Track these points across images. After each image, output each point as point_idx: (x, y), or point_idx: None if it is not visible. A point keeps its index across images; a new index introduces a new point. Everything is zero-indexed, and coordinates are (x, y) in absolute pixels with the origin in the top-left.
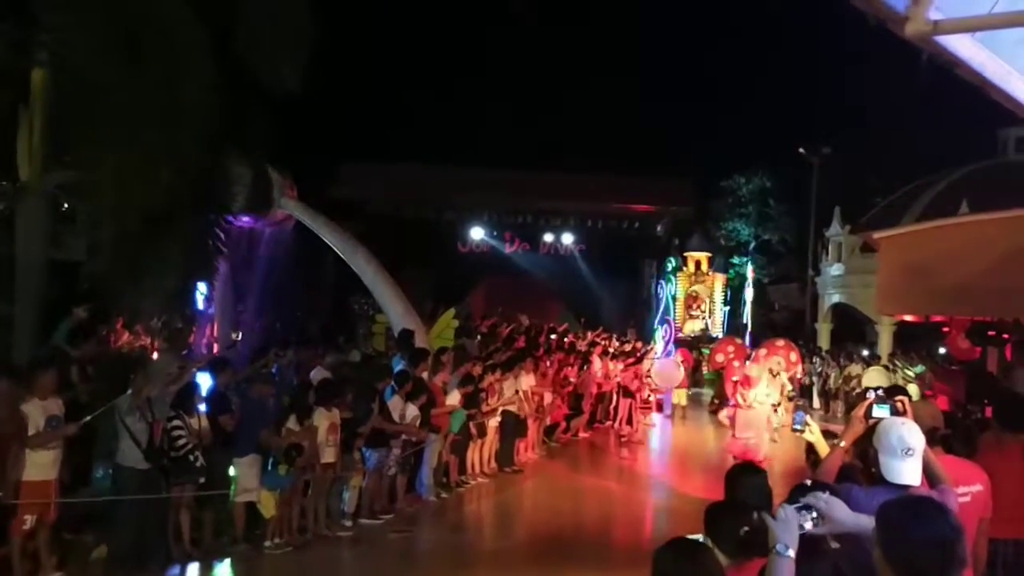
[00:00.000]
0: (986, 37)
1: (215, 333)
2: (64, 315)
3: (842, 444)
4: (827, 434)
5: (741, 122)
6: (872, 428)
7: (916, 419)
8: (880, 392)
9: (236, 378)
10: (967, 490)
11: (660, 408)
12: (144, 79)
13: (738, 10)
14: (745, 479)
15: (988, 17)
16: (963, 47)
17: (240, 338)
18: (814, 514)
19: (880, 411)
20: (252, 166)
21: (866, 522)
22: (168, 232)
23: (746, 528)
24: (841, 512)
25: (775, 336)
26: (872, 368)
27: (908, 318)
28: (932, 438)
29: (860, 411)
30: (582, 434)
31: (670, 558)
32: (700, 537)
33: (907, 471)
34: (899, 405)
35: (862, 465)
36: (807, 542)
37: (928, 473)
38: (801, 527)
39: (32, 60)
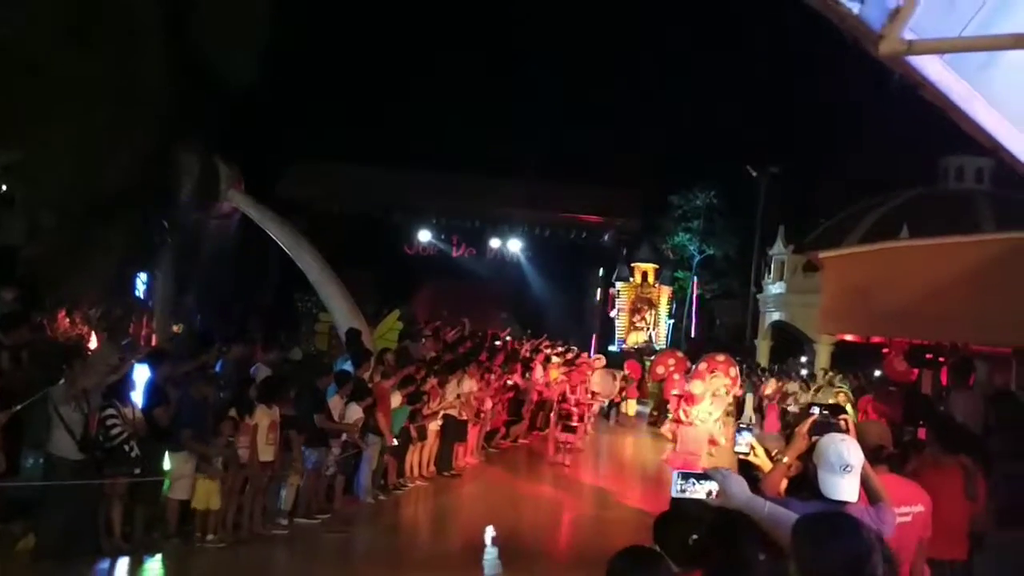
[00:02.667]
0: (954, 59)
1: (154, 324)
2: None
3: (785, 460)
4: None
5: (691, 137)
6: (813, 445)
7: (863, 437)
8: (824, 411)
9: (176, 371)
10: (908, 510)
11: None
12: (95, 60)
13: (694, 28)
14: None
15: (959, 40)
16: (932, 68)
17: (181, 331)
18: (713, 485)
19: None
20: (200, 156)
21: (758, 505)
22: (112, 218)
23: (695, 536)
24: (736, 487)
25: (716, 351)
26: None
27: (848, 338)
28: (878, 456)
29: (804, 427)
30: (521, 440)
31: (625, 566)
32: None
33: (844, 487)
34: (842, 423)
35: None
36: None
37: (867, 490)
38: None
39: None
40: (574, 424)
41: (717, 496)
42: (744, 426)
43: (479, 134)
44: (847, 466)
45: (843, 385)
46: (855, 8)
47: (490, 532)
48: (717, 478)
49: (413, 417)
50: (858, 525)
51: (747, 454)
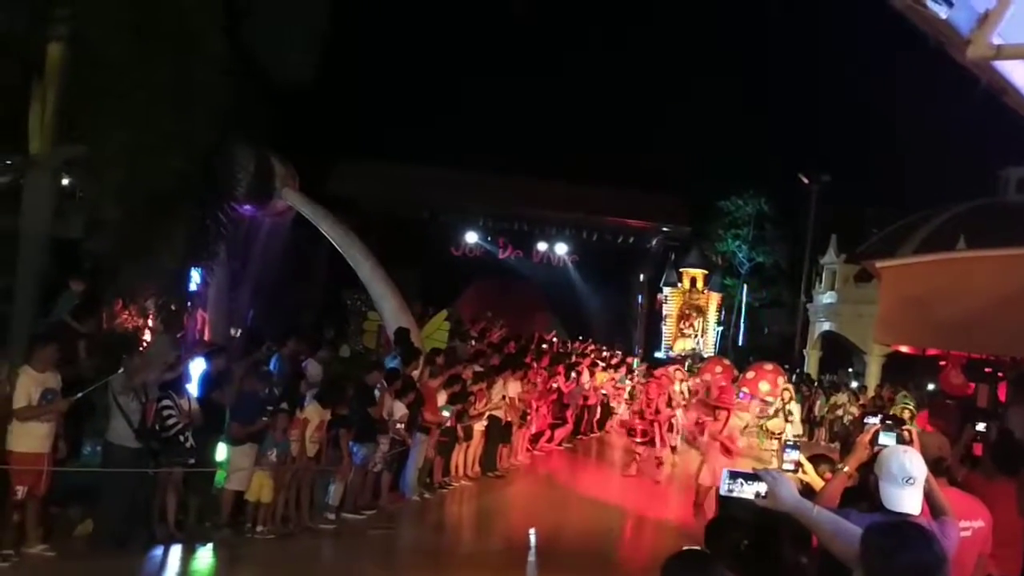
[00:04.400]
0: None
1: (209, 318)
2: (62, 290)
3: (845, 470)
4: (818, 458)
5: (743, 143)
6: (875, 456)
7: (923, 449)
8: (886, 420)
9: (231, 368)
10: (969, 525)
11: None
12: (157, 59)
13: (751, 30)
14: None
15: None
16: (1017, 73)
17: (238, 334)
18: (763, 486)
19: (886, 439)
20: (256, 154)
21: (806, 508)
22: (172, 213)
23: (745, 542)
24: (786, 490)
25: (764, 360)
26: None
27: (904, 349)
28: (938, 469)
29: (865, 437)
30: (565, 444)
31: (679, 568)
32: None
33: (906, 499)
34: (906, 434)
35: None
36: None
37: (931, 503)
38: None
39: (49, 34)
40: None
41: (766, 497)
42: (791, 443)
43: (528, 136)
44: (910, 478)
45: (908, 401)
46: (943, 12)
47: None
48: (767, 479)
49: (460, 417)
50: (929, 537)
51: (795, 471)
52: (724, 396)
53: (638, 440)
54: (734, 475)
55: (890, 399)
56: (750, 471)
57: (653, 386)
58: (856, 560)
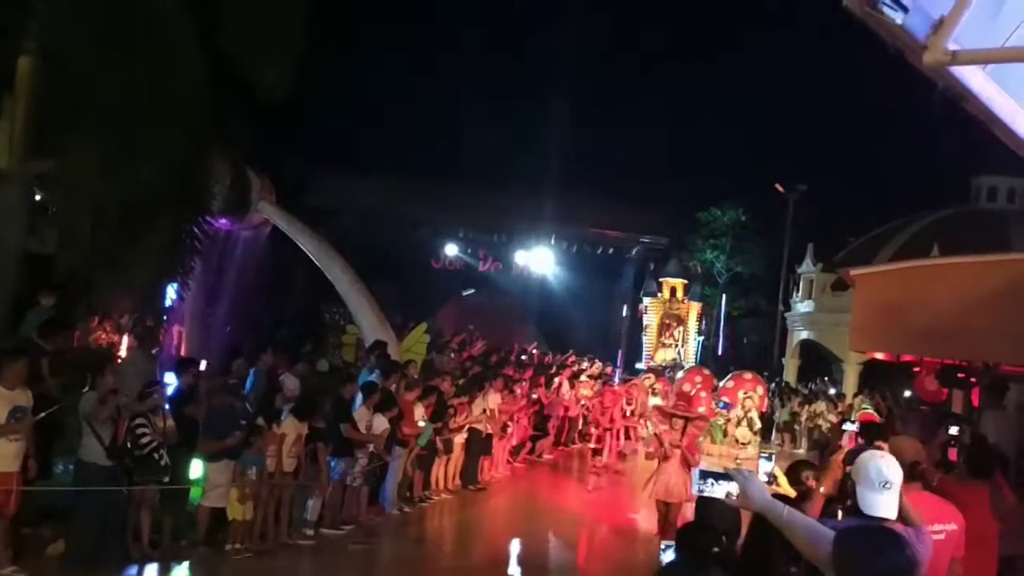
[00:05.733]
0: (997, 72)
1: (185, 334)
2: (32, 306)
3: (822, 491)
4: (801, 464)
5: (719, 154)
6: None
7: (898, 453)
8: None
9: (206, 383)
10: (942, 528)
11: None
12: (131, 71)
13: (724, 44)
14: (713, 505)
15: (1003, 50)
16: (975, 80)
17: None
18: (733, 486)
19: None
20: (232, 167)
21: (777, 509)
22: (146, 228)
23: (716, 549)
24: (756, 490)
25: (743, 369)
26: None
27: (880, 356)
28: (914, 473)
29: (839, 457)
30: (547, 456)
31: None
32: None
33: (883, 504)
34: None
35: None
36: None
37: (902, 514)
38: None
39: (20, 47)
40: (599, 447)
41: (737, 497)
42: (765, 455)
43: (508, 149)
44: (887, 483)
45: (866, 405)
46: (899, 18)
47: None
48: (738, 479)
49: (439, 430)
50: (902, 541)
51: (770, 483)
52: (682, 404)
53: (592, 447)
54: (705, 475)
55: (875, 407)
56: (721, 470)
57: (608, 395)
58: (827, 563)
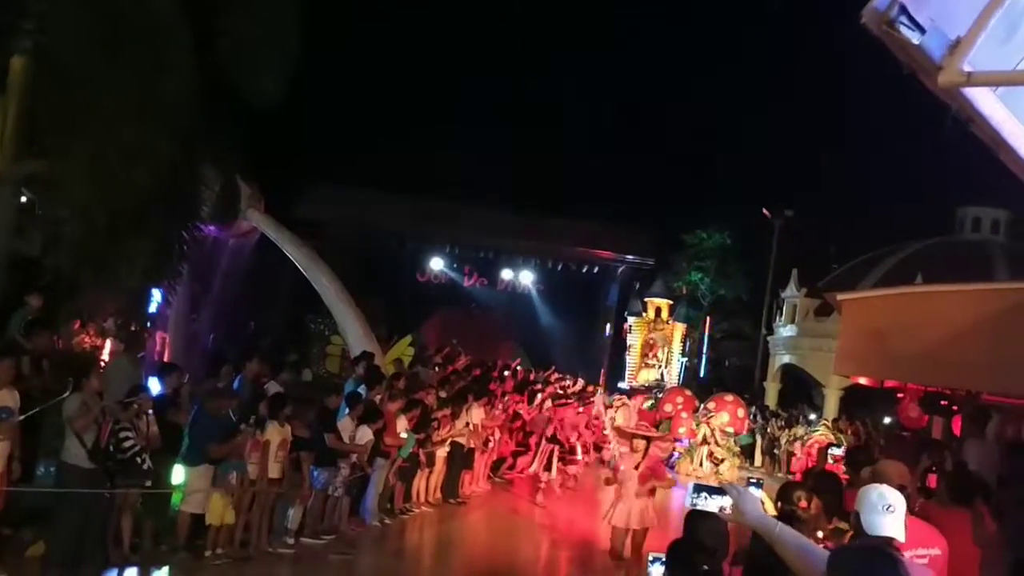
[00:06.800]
0: (1007, 95)
1: (169, 340)
2: (18, 307)
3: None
4: (792, 485)
5: (706, 177)
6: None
7: (883, 476)
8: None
9: (192, 388)
10: (926, 552)
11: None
12: (124, 75)
13: (711, 67)
14: (703, 522)
15: (1018, 73)
16: (986, 103)
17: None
18: (727, 500)
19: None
20: (222, 175)
21: (770, 525)
22: (134, 232)
23: (705, 567)
24: (750, 505)
25: (724, 391)
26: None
27: (863, 381)
28: None
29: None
30: (527, 471)
31: None
32: None
33: (888, 525)
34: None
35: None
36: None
37: None
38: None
39: (13, 47)
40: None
41: (730, 511)
42: (753, 480)
43: (495, 166)
44: (889, 506)
45: (821, 428)
46: (915, 38)
47: None
48: (732, 493)
49: (423, 443)
50: (895, 561)
51: None
52: (643, 424)
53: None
54: (699, 488)
55: (852, 432)
56: (715, 484)
57: (567, 411)
58: None
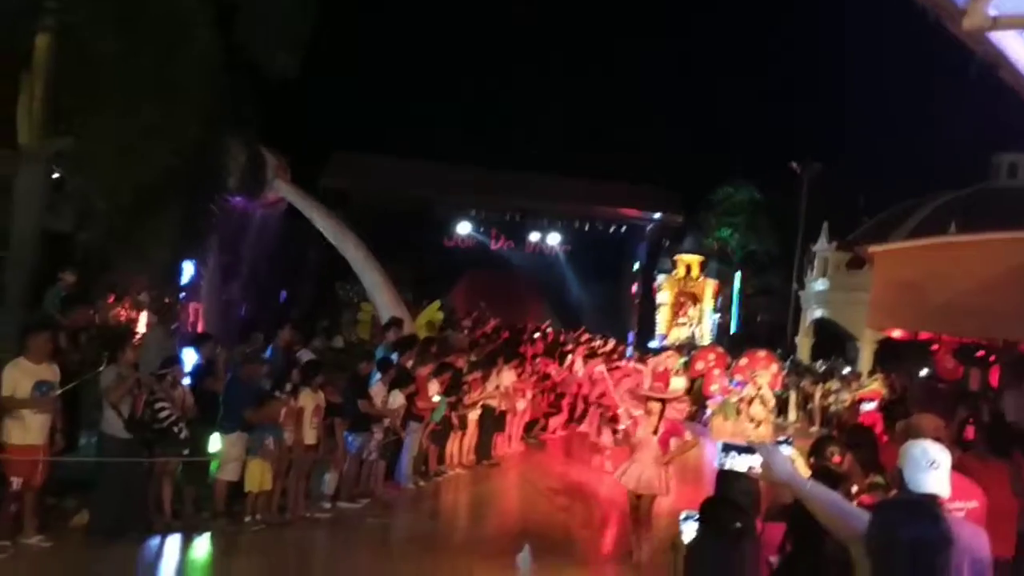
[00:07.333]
0: None
1: (202, 311)
2: (52, 283)
3: None
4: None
5: (735, 132)
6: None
7: (917, 430)
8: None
9: (224, 356)
10: (963, 505)
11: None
12: (145, 51)
13: (738, 23)
14: (735, 481)
15: None
16: (1012, 46)
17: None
18: (756, 459)
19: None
20: (247, 146)
21: (800, 482)
22: (162, 206)
23: (738, 524)
24: (780, 464)
25: (756, 347)
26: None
27: (896, 334)
28: None
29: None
30: (560, 432)
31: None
32: None
33: (933, 481)
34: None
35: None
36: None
37: None
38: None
39: (38, 25)
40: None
41: (760, 470)
42: (783, 439)
43: (521, 128)
44: (933, 462)
45: (871, 384)
46: None
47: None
48: (762, 452)
49: (454, 406)
50: (938, 517)
51: None
52: (658, 385)
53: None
54: (727, 448)
55: (888, 385)
56: (744, 444)
57: (616, 374)
58: (852, 537)
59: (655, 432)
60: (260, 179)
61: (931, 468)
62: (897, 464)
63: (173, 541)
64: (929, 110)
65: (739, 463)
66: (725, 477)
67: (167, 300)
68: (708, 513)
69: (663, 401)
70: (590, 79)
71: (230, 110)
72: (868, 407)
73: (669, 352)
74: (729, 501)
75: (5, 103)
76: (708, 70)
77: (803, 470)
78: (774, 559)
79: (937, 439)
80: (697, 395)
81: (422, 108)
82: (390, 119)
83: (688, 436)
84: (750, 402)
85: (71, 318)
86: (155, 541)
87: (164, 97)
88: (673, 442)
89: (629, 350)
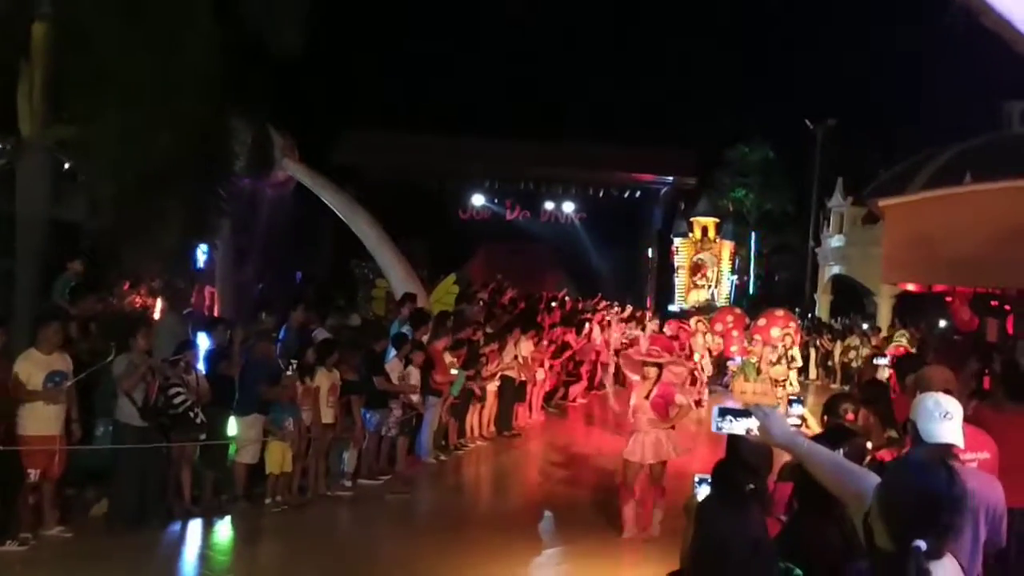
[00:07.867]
0: None
1: (217, 294)
2: (61, 272)
3: None
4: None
5: (746, 91)
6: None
7: (927, 382)
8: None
9: (240, 337)
10: (974, 456)
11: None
12: (146, 35)
13: None
14: (747, 442)
15: None
16: None
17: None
18: (753, 422)
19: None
20: (253, 126)
21: (799, 443)
22: (169, 191)
23: (751, 486)
24: (777, 426)
25: (775, 307)
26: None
27: (911, 287)
28: None
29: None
30: (580, 400)
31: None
32: None
33: (946, 431)
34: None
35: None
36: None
37: None
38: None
39: (34, 12)
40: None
41: (757, 433)
42: (794, 398)
43: (529, 97)
44: (946, 413)
45: (901, 339)
46: None
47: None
48: (758, 415)
49: (472, 379)
50: (951, 473)
51: (799, 426)
52: (655, 349)
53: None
54: (724, 411)
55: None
56: (740, 407)
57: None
58: (854, 494)
59: (647, 397)
60: (268, 159)
61: (945, 419)
62: (910, 416)
63: (194, 526)
64: (942, 58)
65: (736, 427)
66: (737, 438)
67: (179, 285)
68: (720, 475)
69: (659, 366)
70: (599, 45)
71: (236, 89)
72: (881, 361)
73: (698, 317)
74: (742, 462)
75: (6, 93)
76: (716, 29)
77: (815, 428)
78: (784, 517)
79: (947, 391)
80: (716, 359)
81: (432, 79)
82: (397, 94)
83: (680, 400)
84: (777, 361)
85: (80, 307)
86: (176, 527)
87: (167, 80)
88: (671, 410)
89: (647, 315)
